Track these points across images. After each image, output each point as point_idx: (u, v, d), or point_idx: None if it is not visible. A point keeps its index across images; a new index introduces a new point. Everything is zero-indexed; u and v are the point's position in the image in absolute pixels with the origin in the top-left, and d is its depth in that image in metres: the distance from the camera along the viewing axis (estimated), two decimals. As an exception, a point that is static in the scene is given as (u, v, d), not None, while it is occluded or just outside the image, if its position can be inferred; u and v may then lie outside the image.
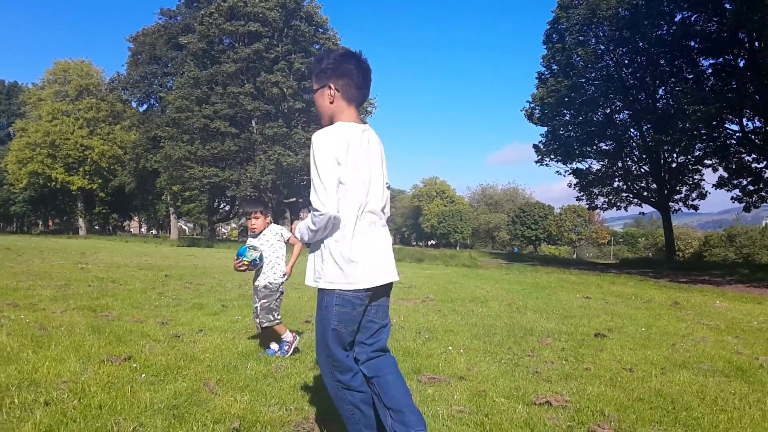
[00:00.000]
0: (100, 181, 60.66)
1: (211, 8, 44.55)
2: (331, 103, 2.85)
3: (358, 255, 2.70)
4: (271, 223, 5.34)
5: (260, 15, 42.45)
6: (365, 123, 2.91)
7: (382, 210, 2.90)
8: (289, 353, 5.14)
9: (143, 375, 4.25)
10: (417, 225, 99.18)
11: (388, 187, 2.97)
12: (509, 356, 5.46)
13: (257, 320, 5.17)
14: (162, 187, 51.29)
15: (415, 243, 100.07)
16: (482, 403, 3.88)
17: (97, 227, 73.60)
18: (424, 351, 5.49)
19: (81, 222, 64.56)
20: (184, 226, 63.51)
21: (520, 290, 12.68)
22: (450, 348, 5.69)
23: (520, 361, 5.28)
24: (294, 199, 48.65)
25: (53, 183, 58.74)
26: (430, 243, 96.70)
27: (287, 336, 5.20)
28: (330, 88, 2.82)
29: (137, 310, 7.50)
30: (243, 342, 5.65)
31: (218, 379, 4.26)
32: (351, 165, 2.69)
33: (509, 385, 4.36)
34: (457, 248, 77.65)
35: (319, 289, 2.78)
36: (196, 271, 14.42)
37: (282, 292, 5.27)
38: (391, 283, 2.88)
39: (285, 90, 41.83)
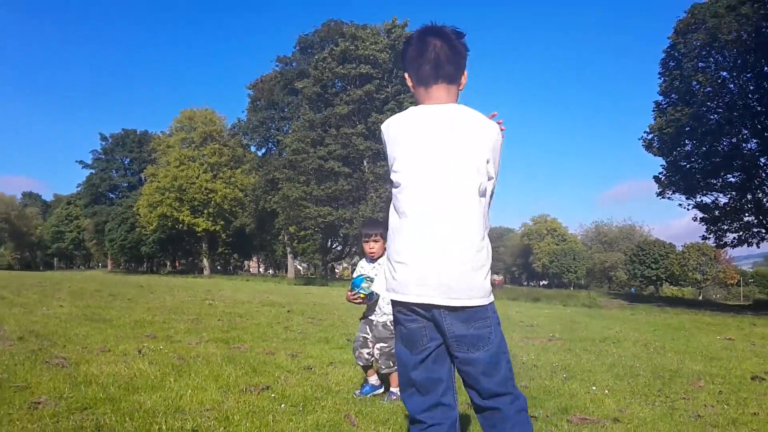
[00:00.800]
0: (222, 222, 63.91)
1: (324, 53, 46.41)
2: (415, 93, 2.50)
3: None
4: None
5: (371, 57, 43.68)
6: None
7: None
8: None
9: (282, 405, 4.23)
10: (527, 264, 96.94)
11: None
12: (661, 398, 5.03)
13: (366, 358, 4.70)
14: (280, 227, 53.19)
15: (525, 283, 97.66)
16: (645, 447, 3.54)
17: (219, 267, 77.36)
18: (566, 390, 5.17)
19: (205, 262, 68.06)
20: (299, 266, 65.32)
21: (652, 331, 11.90)
22: (594, 388, 5.33)
23: (675, 404, 4.84)
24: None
25: (180, 225, 62.45)
26: (541, 283, 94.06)
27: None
28: (407, 79, 2.50)
29: (267, 342, 7.62)
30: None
31: (357, 411, 4.18)
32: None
33: (671, 430, 3.98)
34: (571, 288, 74.99)
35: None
36: (316, 308, 14.62)
37: None
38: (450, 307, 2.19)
39: (396, 130, 42.53)
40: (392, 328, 4.19)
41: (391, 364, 4.54)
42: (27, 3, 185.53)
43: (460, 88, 2.42)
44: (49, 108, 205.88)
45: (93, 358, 5.75)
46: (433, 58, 2.35)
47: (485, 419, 2.22)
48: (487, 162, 2.24)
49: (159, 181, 61.74)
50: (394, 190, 2.38)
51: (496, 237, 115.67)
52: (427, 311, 2.18)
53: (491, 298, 2.22)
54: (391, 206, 2.39)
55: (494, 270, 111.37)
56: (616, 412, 4.46)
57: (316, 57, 47.66)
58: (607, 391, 5.21)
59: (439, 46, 2.34)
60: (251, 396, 4.47)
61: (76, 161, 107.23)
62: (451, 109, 2.32)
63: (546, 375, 5.97)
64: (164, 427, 3.54)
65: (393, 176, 2.36)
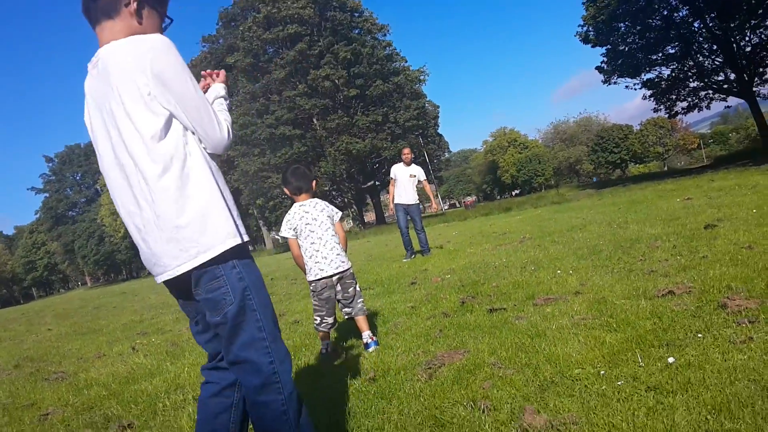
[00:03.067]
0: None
1: (248, 23, 45.47)
2: None
3: None
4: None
5: (296, 16, 42.93)
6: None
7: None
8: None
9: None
10: (497, 179, 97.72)
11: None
12: (620, 265, 5.39)
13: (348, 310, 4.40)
14: (247, 203, 52.93)
15: (499, 197, 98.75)
16: (603, 308, 3.87)
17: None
18: (534, 280, 5.51)
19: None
20: (275, 236, 65.26)
21: (616, 210, 12.35)
22: (559, 272, 5.67)
23: (632, 266, 5.20)
24: (371, 182, 49.10)
25: (147, 226, 61.91)
26: (514, 193, 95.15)
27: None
28: None
29: (254, 310, 7.86)
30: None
31: (346, 345, 4.45)
32: None
33: (627, 288, 4.31)
34: (542, 191, 76.18)
35: None
36: (297, 269, 14.87)
37: None
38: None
39: (337, 81, 42.25)
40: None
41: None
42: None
43: (134, 15, 1.99)
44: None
45: (90, 366, 5.95)
46: None
47: (216, 403, 2.12)
48: (149, 94, 1.86)
49: (116, 188, 60.96)
50: None
51: (461, 159, 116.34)
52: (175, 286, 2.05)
53: (212, 253, 1.89)
54: None
55: (466, 192, 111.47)
56: (578, 286, 4.79)
57: (241, 28, 46.58)
58: (571, 272, 5.55)
59: None
60: (245, 359, 4.71)
61: (28, 189, 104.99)
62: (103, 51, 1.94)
63: (516, 272, 6.29)
64: (167, 404, 3.77)
65: None
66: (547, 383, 2.71)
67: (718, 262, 4.56)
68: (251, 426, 2.08)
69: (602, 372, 2.69)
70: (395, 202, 10.95)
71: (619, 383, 2.51)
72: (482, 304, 4.87)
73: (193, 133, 1.95)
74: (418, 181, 10.86)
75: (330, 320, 4.29)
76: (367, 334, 4.20)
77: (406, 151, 11.06)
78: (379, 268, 10.12)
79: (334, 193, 49.51)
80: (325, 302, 4.28)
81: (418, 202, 11.00)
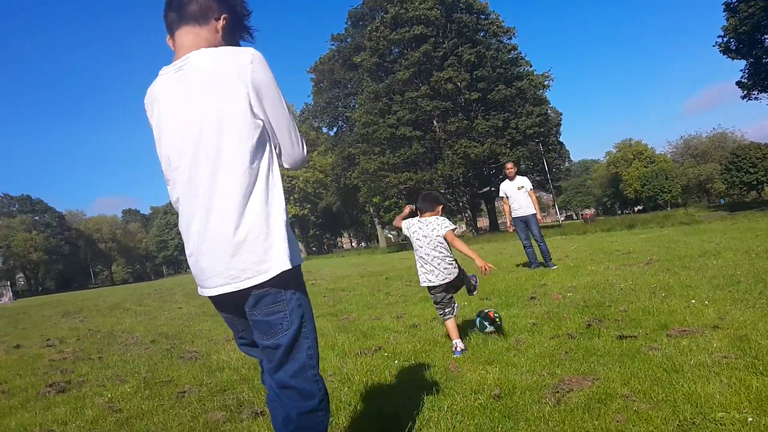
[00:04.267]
0: (309, 206, 65.79)
1: (376, 23, 46.38)
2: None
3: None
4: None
5: (422, 17, 43.28)
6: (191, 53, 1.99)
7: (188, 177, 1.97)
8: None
9: (396, 361, 4.59)
10: (618, 192, 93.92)
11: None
12: (762, 300, 5.06)
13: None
14: (364, 200, 54.04)
15: (619, 211, 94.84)
16: (746, 347, 3.66)
17: (314, 248, 79.73)
18: (665, 308, 5.28)
19: (300, 245, 70.40)
20: (389, 234, 66.21)
21: (753, 237, 11.56)
22: (693, 302, 5.41)
23: (777, 303, 4.88)
24: (487, 188, 48.64)
25: (271, 215, 64.93)
26: (636, 209, 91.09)
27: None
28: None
29: (372, 309, 8.05)
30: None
31: (463, 358, 4.47)
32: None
33: (772, 327, 4.06)
34: (668, 209, 72.28)
35: None
36: (411, 271, 15.00)
37: None
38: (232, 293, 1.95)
39: (459, 84, 42.21)
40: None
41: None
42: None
43: (219, 30, 2.08)
44: (129, 124, 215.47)
45: (220, 348, 6.33)
46: (170, 7, 2.07)
47: (276, 409, 2.04)
48: (251, 103, 1.90)
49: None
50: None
51: (581, 170, 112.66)
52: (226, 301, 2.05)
53: (273, 273, 1.89)
54: None
55: (585, 204, 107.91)
56: (715, 320, 4.55)
57: (369, 28, 47.63)
58: (706, 302, 5.28)
59: None
60: (366, 357, 4.86)
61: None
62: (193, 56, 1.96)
63: (645, 297, 6.06)
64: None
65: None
66: (688, 424, 2.61)
67: None
68: None
69: (750, 419, 2.56)
70: (513, 216, 11.18)
71: (770, 434, 2.39)
72: (610, 328, 4.74)
73: (275, 147, 1.99)
74: (527, 190, 11.05)
75: (449, 310, 4.75)
76: (459, 344, 4.62)
77: (510, 166, 11.34)
78: (495, 278, 10.03)
79: (448, 196, 49.47)
80: (438, 302, 4.79)
81: (534, 212, 11.02)
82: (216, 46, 2.00)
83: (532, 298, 7.13)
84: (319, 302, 9.95)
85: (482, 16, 46.86)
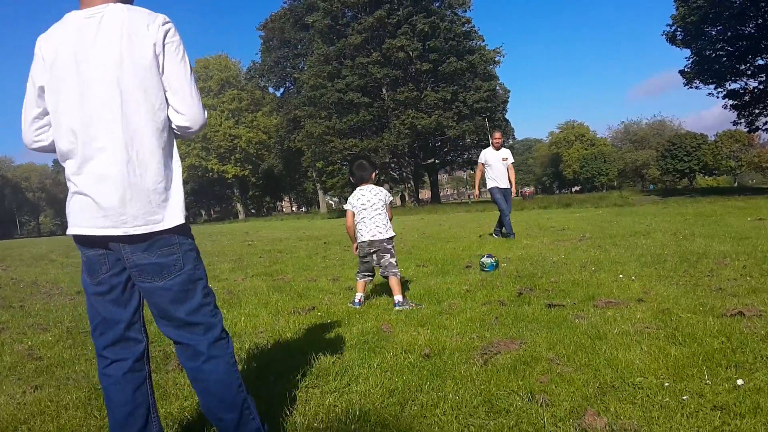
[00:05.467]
0: (250, 167, 64.67)
1: (332, -18, 45.41)
2: None
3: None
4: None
5: (379, -19, 42.67)
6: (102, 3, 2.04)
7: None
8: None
9: (329, 321, 4.58)
10: (558, 173, 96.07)
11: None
12: (686, 278, 5.27)
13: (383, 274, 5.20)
14: (307, 165, 53.52)
15: (558, 191, 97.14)
16: (668, 319, 3.80)
17: (253, 210, 78.62)
18: (594, 281, 5.43)
19: (239, 207, 69.41)
20: (330, 201, 66.05)
21: (682, 220, 12.02)
22: (621, 276, 5.58)
23: (699, 281, 5.08)
24: (431, 160, 48.92)
25: (210, 173, 63.37)
26: (574, 189, 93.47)
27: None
28: None
29: (308, 271, 8.02)
30: (412, 288, 5.89)
31: (394, 319, 4.49)
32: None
33: (693, 302, 4.22)
34: (604, 191, 74.56)
35: None
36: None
37: None
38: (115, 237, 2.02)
39: (411, 53, 41.99)
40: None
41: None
42: None
43: None
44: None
45: (150, 301, 6.18)
46: None
47: (181, 352, 2.13)
48: (159, 61, 2.00)
49: (183, 133, 62.63)
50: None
51: (524, 149, 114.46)
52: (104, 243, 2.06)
53: (172, 223, 2.03)
54: None
55: (525, 182, 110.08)
56: (641, 293, 4.71)
57: (324, -13, 46.75)
58: (633, 278, 5.46)
59: None
60: (300, 316, 4.84)
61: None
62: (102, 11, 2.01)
63: (575, 270, 6.22)
64: (224, 349, 3.91)
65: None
66: (608, 387, 2.69)
67: (792, 289, 4.41)
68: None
69: (666, 384, 2.65)
70: (491, 186, 11.11)
71: (684, 398, 2.48)
72: (540, 297, 4.85)
73: (176, 109, 2.05)
74: (508, 163, 11.07)
75: (364, 274, 5.32)
76: (398, 298, 4.98)
77: (498, 135, 11.17)
78: (434, 247, 10.14)
79: (392, 165, 49.55)
80: (362, 262, 5.30)
81: (510, 186, 11.12)
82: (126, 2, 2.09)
83: (467, 266, 7.24)
84: (255, 262, 9.85)
85: (439, -13, 46.59)
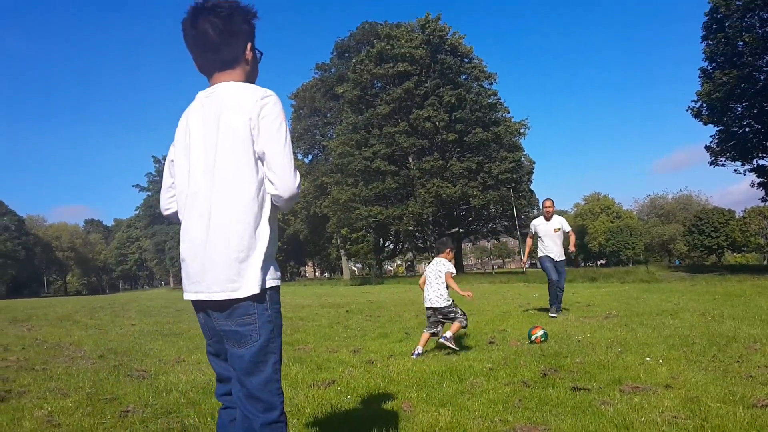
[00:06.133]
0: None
1: (361, 56, 46.92)
2: None
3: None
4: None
5: (407, 55, 43.92)
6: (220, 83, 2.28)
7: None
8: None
9: (348, 396, 4.52)
10: (583, 245, 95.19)
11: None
12: (715, 364, 5.14)
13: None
14: (332, 230, 53.86)
15: (583, 263, 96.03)
16: (696, 408, 3.69)
17: (276, 275, 78.63)
18: (620, 363, 5.32)
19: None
20: (353, 267, 65.99)
21: (711, 300, 11.78)
22: (648, 359, 5.46)
23: (729, 367, 4.95)
24: (455, 229, 48.94)
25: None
26: (599, 263, 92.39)
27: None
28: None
29: (329, 342, 7.97)
30: (433, 363, 5.81)
31: (416, 397, 4.43)
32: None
33: (722, 391, 4.11)
34: (630, 265, 73.50)
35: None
36: (373, 305, 14.96)
37: None
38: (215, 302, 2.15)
39: (437, 123, 42.74)
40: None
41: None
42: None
43: (248, 67, 2.34)
44: (102, 135, 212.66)
45: (170, 369, 6.18)
46: (195, 45, 2.28)
47: (240, 419, 2.18)
48: (253, 134, 2.12)
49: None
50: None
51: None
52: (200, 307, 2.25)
53: (253, 290, 2.09)
54: None
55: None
56: (668, 379, 4.60)
57: (354, 60, 48.19)
58: (661, 361, 5.34)
59: (205, 30, 2.23)
60: (319, 390, 4.78)
61: (133, 185, 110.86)
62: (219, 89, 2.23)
63: (601, 350, 6.10)
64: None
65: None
66: (634, 482, 2.61)
67: (826, 380, 4.28)
68: None
69: (694, 482, 2.57)
70: (541, 254, 10.55)
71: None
72: (565, 379, 4.75)
73: (269, 178, 2.15)
74: (564, 232, 10.44)
75: (429, 329, 6.60)
76: (447, 334, 6.37)
77: (548, 203, 10.54)
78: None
79: (416, 234, 49.67)
80: (428, 320, 6.68)
81: (564, 258, 10.51)
82: (247, 75, 2.32)
83: (490, 342, 7.14)
84: (277, 329, 9.81)
85: (466, 60, 47.66)
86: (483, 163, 43.48)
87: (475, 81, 47.52)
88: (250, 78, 2.33)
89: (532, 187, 53.39)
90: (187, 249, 2.17)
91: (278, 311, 2.22)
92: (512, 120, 47.73)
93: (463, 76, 47.11)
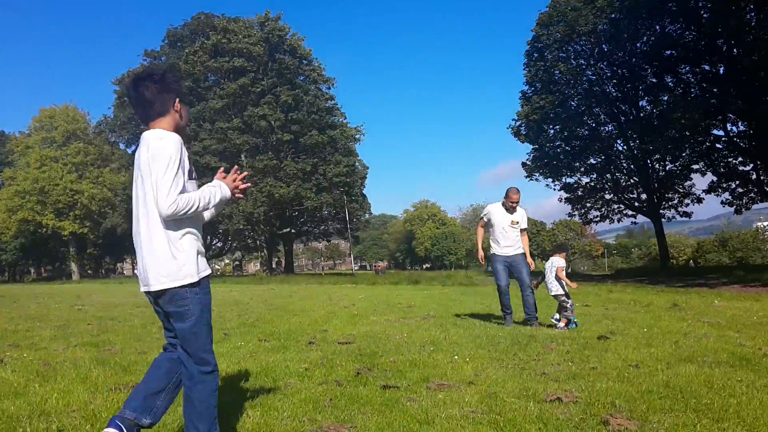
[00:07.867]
0: (90, 224, 60.28)
1: (195, 47, 45.19)
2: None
3: None
4: None
5: (244, 50, 43.03)
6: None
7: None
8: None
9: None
10: (411, 249, 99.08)
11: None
12: (515, 361, 5.50)
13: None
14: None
15: (410, 267, 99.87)
16: (494, 403, 3.90)
17: (90, 271, 72.77)
18: (430, 362, 5.52)
19: (74, 267, 64.01)
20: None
21: (521, 303, 12.65)
22: (456, 357, 5.72)
23: (526, 365, 5.31)
24: (287, 230, 48.66)
25: (44, 229, 58.27)
26: (425, 266, 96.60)
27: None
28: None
29: (140, 342, 7.49)
30: (248, 365, 5.66)
31: (228, 401, 4.27)
32: None
33: (518, 387, 4.39)
34: (452, 269, 77.58)
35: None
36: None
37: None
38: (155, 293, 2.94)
39: (273, 122, 42.22)
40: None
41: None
42: None
43: (177, 116, 3.02)
44: None
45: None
46: (139, 103, 2.99)
47: (184, 373, 3.01)
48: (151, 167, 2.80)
49: (18, 185, 57.30)
50: None
51: (380, 224, 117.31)
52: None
53: (182, 281, 2.86)
54: None
55: (379, 256, 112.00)
56: (472, 376, 4.84)
57: (187, 51, 46.23)
58: (467, 359, 5.61)
59: (142, 92, 2.95)
60: (120, 394, 4.45)
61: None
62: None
63: (415, 350, 6.30)
64: (28, 430, 3.53)
65: None
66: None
67: (606, 375, 4.72)
68: None
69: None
70: (493, 252, 8.93)
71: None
72: (377, 378, 4.83)
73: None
74: (521, 229, 8.71)
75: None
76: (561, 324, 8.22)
77: (516, 196, 8.54)
78: (279, 319, 9.93)
79: (246, 233, 48.72)
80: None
81: (523, 251, 8.75)
82: (176, 122, 3.02)
83: (310, 342, 7.11)
84: (81, 330, 9.06)
85: (305, 62, 47.54)
86: (318, 165, 43.63)
87: (313, 83, 47.57)
88: (179, 124, 3.02)
89: (365, 191, 54.52)
90: (137, 250, 3.00)
91: (207, 292, 3.08)
92: (348, 125, 48.42)
93: (302, 78, 47.01)
